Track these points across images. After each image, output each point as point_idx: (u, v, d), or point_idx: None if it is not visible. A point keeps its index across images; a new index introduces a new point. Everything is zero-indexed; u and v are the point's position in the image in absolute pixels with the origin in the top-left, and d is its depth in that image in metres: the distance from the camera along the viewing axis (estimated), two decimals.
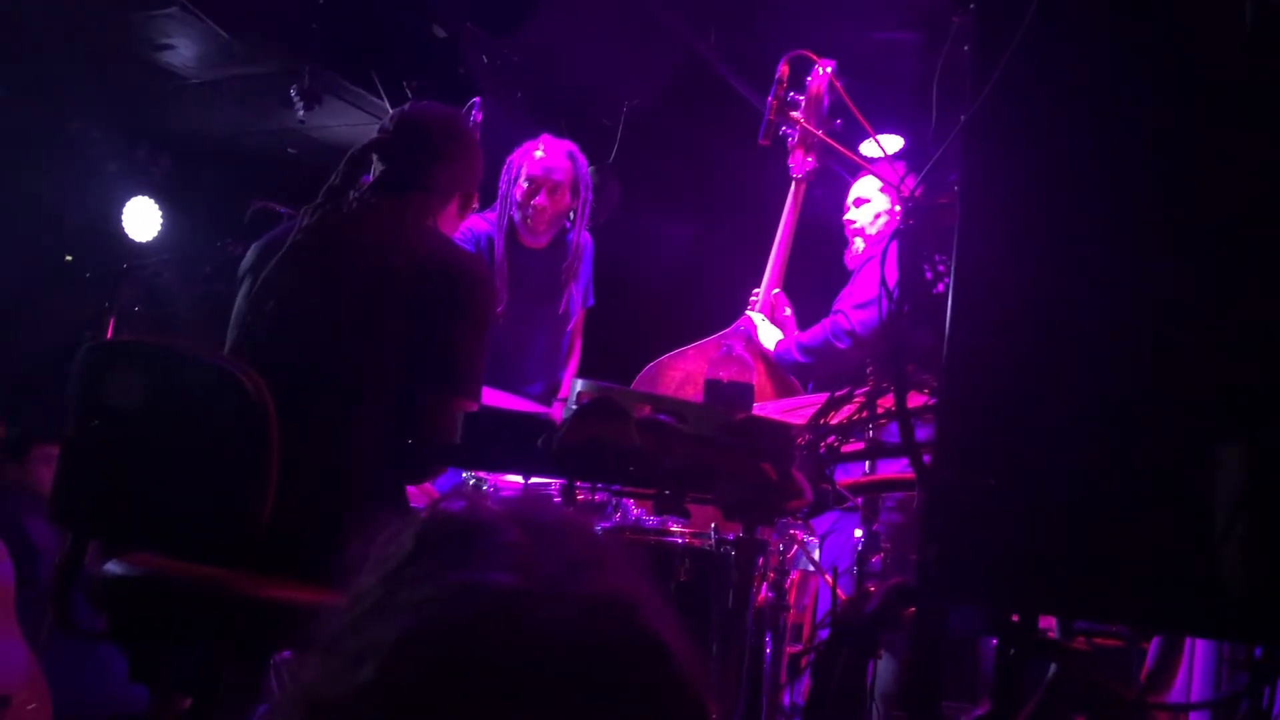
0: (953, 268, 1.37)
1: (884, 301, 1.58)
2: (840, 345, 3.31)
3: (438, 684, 0.65)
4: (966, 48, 1.42)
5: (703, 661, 0.75)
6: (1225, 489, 1.23)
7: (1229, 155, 1.29)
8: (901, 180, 1.65)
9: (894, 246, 1.70)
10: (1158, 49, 1.33)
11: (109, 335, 3.91)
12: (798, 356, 3.40)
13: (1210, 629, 1.21)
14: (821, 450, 1.78)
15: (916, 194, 1.64)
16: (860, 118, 3.30)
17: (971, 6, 1.44)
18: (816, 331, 3.41)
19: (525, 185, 3.42)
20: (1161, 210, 1.31)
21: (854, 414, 1.80)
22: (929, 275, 1.74)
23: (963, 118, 1.39)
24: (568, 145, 3.50)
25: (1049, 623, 1.92)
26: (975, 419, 1.36)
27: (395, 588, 0.70)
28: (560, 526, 0.74)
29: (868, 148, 3.74)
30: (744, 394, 1.78)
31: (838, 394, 1.78)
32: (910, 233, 1.69)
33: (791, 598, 2.57)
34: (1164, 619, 1.29)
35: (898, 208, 3.41)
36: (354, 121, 5.11)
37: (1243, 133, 1.29)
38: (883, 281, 1.56)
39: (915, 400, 1.73)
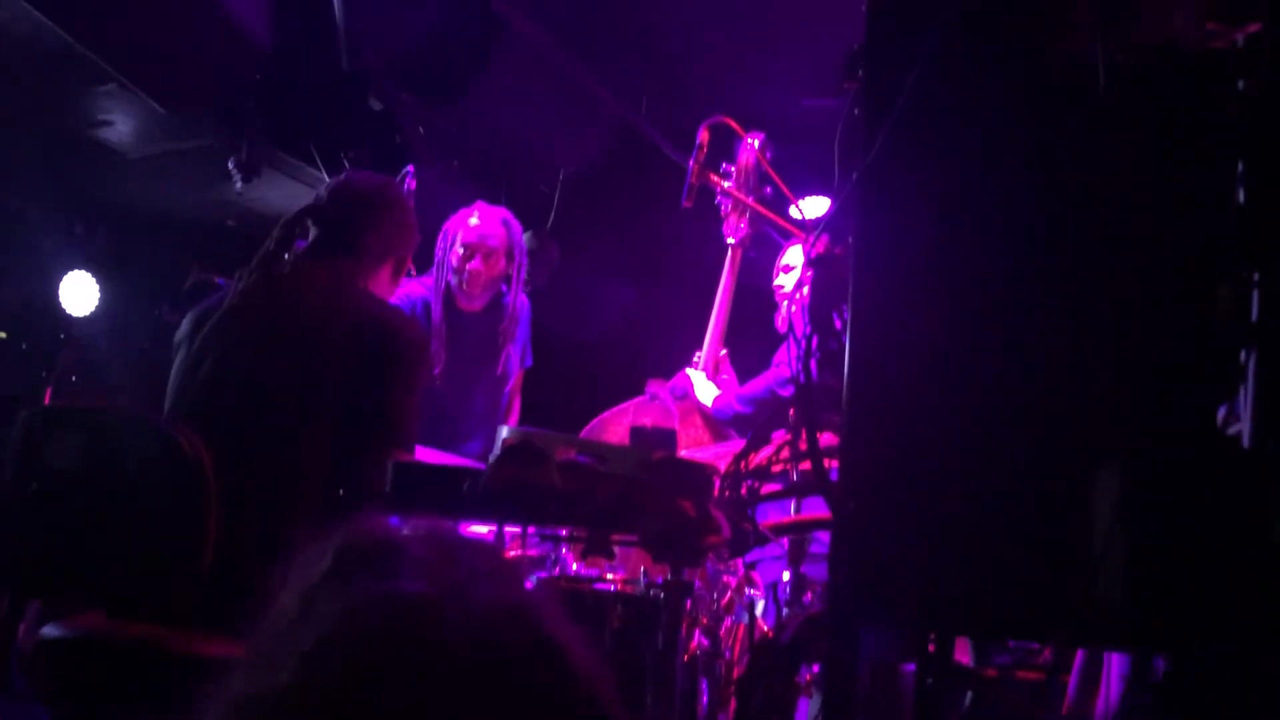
0: (849, 310, 1.48)
1: (792, 347, 1.68)
2: (784, 393, 3.41)
3: (354, 684, 0.72)
4: (856, 111, 1.54)
5: (605, 666, 0.82)
6: (1102, 506, 1.33)
7: (1093, 201, 1.42)
8: (815, 236, 1.76)
9: (804, 297, 1.81)
10: (1026, 107, 1.45)
11: (46, 403, 3.90)
12: (739, 408, 3.49)
13: (1097, 638, 1.30)
14: (743, 491, 1.86)
15: (819, 247, 1.75)
16: (784, 188, 3.45)
17: (859, 74, 1.56)
18: (758, 383, 3.52)
19: (461, 251, 3.53)
20: (1036, 249, 1.43)
21: (773, 455, 1.88)
22: (839, 324, 1.85)
23: (854, 175, 1.50)
24: (502, 212, 3.62)
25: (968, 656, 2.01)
26: (876, 449, 1.45)
27: (314, 600, 0.76)
28: (466, 544, 0.82)
29: (807, 205, 3.89)
30: (666, 438, 1.86)
31: (755, 436, 1.87)
32: (818, 281, 1.80)
33: (737, 648, 2.63)
34: (1057, 631, 1.38)
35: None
36: (292, 193, 5.18)
37: (1104, 179, 1.41)
38: (790, 329, 1.66)
39: (830, 440, 1.82)
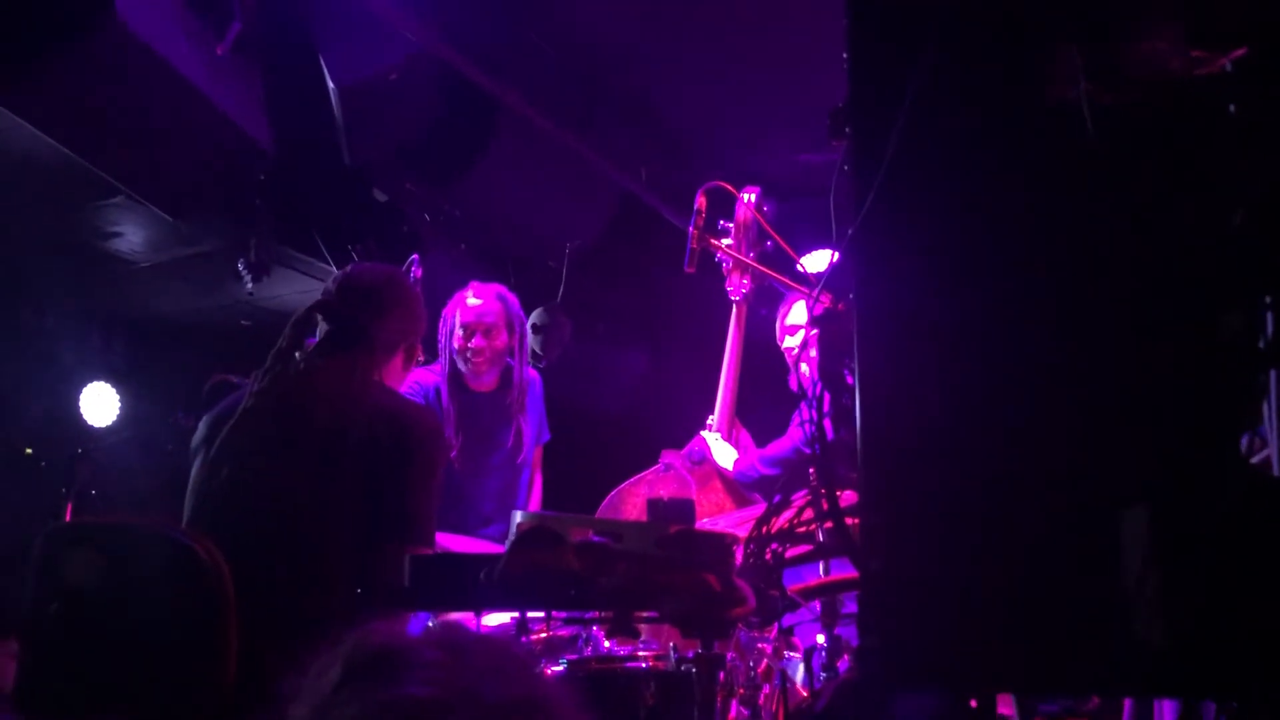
0: (856, 366, 1.46)
1: (805, 407, 1.66)
2: (810, 452, 3.36)
3: None
4: (846, 167, 1.54)
5: None
6: (1135, 549, 1.30)
7: (1092, 239, 1.40)
8: (816, 294, 1.75)
9: (814, 354, 1.79)
10: (1016, 152, 1.45)
11: (67, 519, 3.91)
12: (764, 470, 3.45)
13: (1140, 687, 1.26)
14: (768, 557, 1.83)
15: (824, 303, 1.74)
16: (782, 243, 3.46)
17: (847, 131, 1.56)
18: (783, 443, 3.48)
19: (461, 333, 3.56)
20: (1039, 292, 1.41)
21: (794, 518, 1.85)
22: (850, 379, 1.83)
23: (849, 231, 1.49)
24: (496, 287, 3.66)
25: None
26: (897, 505, 1.43)
27: (325, 713, 0.75)
28: (477, 644, 0.80)
29: (809, 261, 3.90)
30: (684, 509, 1.83)
31: (776, 500, 1.84)
32: (825, 339, 1.78)
33: (780, 716, 2.57)
34: (1099, 682, 1.33)
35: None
36: (303, 288, 5.23)
37: (1102, 216, 1.40)
38: (800, 387, 1.64)
39: (851, 498, 1.79)
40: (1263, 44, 1.44)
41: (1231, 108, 1.46)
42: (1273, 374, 1.35)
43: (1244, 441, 1.38)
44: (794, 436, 3.45)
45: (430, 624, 2.10)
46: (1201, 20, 1.47)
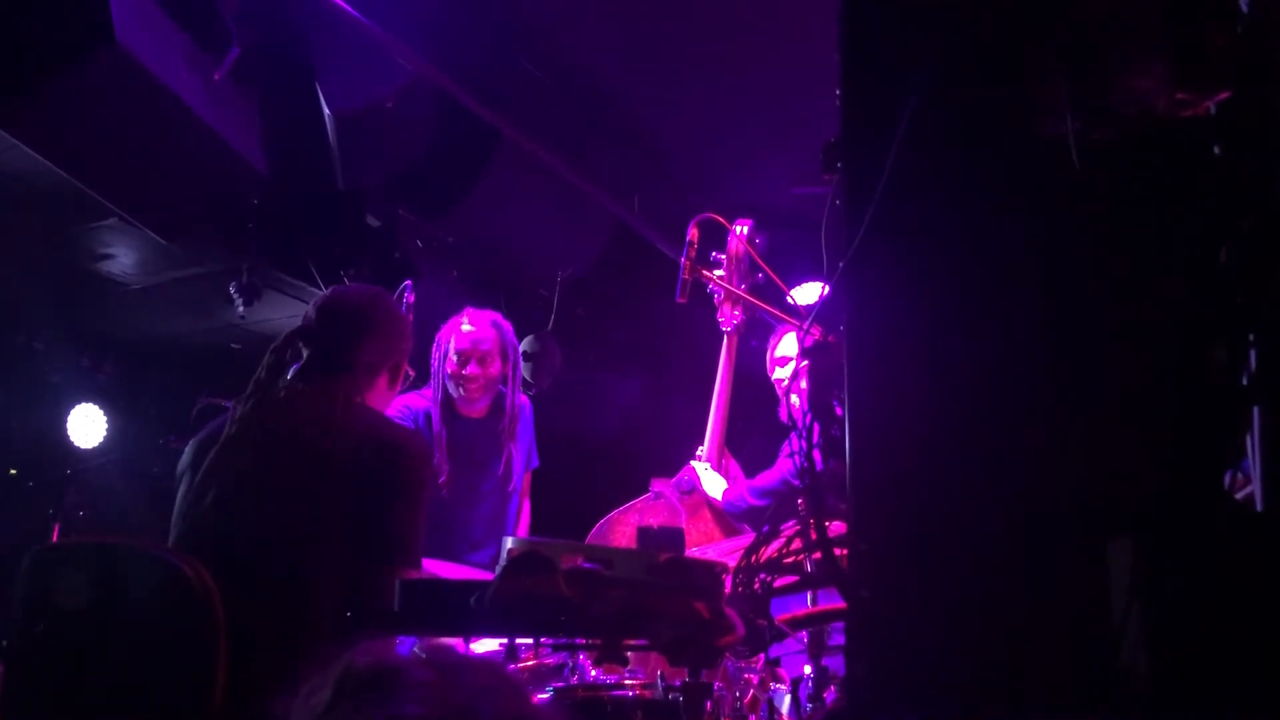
0: (846, 397, 1.48)
1: (795, 438, 1.67)
2: (799, 483, 3.37)
3: None
4: (838, 201, 1.56)
5: None
6: (1119, 579, 1.31)
7: (1078, 273, 1.43)
8: (807, 325, 1.77)
9: (804, 386, 1.80)
10: (1004, 185, 1.47)
11: (54, 540, 3.89)
12: (753, 500, 3.45)
13: (1123, 714, 1.27)
14: (756, 587, 1.83)
15: (814, 335, 1.76)
16: (773, 275, 3.48)
17: (839, 165, 1.59)
18: (771, 474, 3.49)
19: (455, 359, 3.56)
20: (1026, 325, 1.44)
21: (783, 548, 1.86)
22: (839, 411, 1.84)
23: (840, 264, 1.52)
24: (491, 315, 3.66)
25: None
26: (885, 535, 1.44)
27: None
28: (468, 664, 0.80)
29: (800, 293, 3.92)
30: (674, 537, 1.84)
31: (765, 530, 1.85)
32: (815, 370, 1.80)
33: None
34: (1084, 711, 1.34)
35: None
36: (294, 313, 5.23)
37: (1088, 250, 1.43)
38: (791, 418, 1.65)
39: (840, 528, 1.80)
40: (1246, 88, 1.47)
41: (1215, 149, 1.49)
42: (1255, 410, 1.37)
43: (1227, 478, 1.40)
44: (783, 468, 3.46)
45: (416, 648, 2.10)
46: (1187, 63, 1.50)
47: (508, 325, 3.68)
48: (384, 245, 4.90)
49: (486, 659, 0.84)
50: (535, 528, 3.85)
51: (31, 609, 1.93)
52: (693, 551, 3.00)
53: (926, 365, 1.47)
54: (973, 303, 1.47)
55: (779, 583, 1.87)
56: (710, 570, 1.54)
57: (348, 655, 0.82)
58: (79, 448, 5.91)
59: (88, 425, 5.95)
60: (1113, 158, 1.46)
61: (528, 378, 4.66)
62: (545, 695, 2.17)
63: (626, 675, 2.29)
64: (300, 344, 2.33)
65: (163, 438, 3.92)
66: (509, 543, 1.50)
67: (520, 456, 3.71)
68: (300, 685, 0.82)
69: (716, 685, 2.20)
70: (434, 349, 3.61)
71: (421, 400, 3.60)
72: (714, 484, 3.55)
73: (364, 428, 2.20)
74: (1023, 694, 1.35)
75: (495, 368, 3.60)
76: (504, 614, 1.40)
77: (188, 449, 2.29)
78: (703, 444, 3.68)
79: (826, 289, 1.92)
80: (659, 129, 5.20)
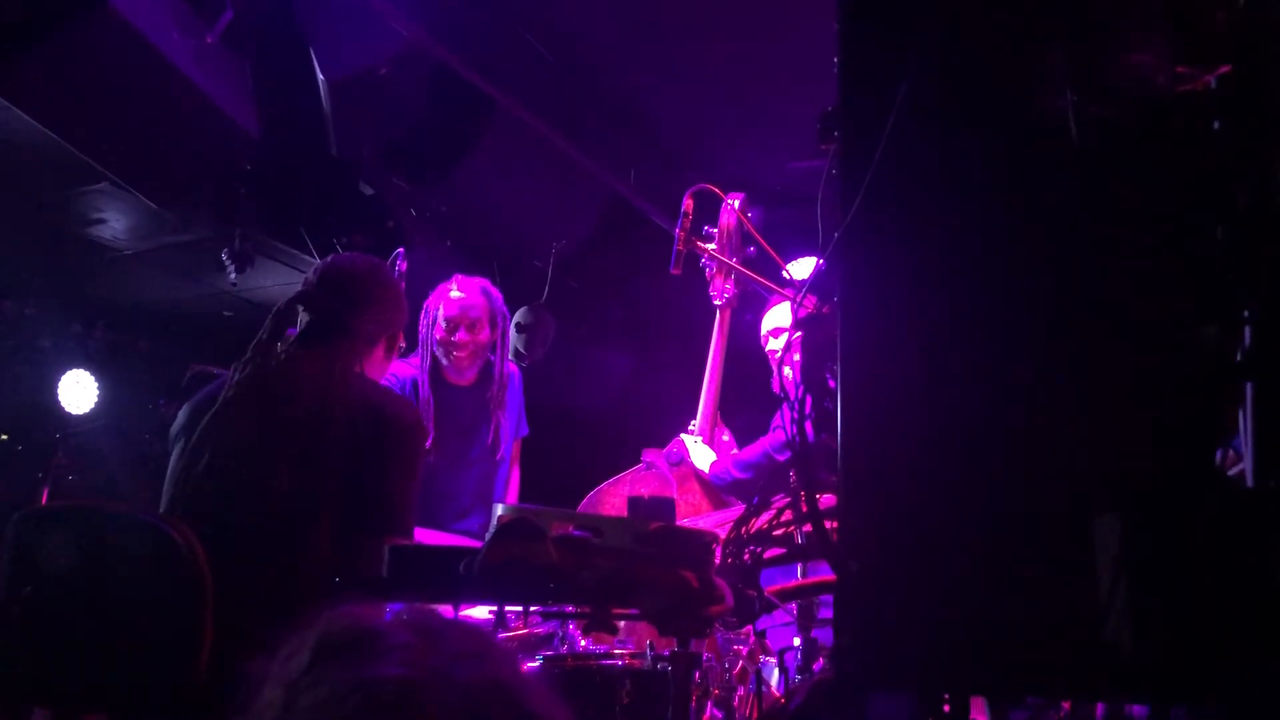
0: (839, 369, 1.47)
1: (787, 410, 1.67)
2: (781, 458, 3.38)
3: None
4: (834, 171, 1.55)
5: None
6: (1108, 557, 1.31)
7: (1075, 248, 1.42)
8: (800, 296, 1.76)
9: (797, 358, 1.80)
10: (1001, 158, 1.46)
11: (43, 503, 3.88)
12: (737, 474, 3.46)
13: (1110, 691, 1.27)
14: (746, 558, 1.83)
15: (808, 306, 1.75)
16: (767, 247, 3.47)
17: (836, 135, 1.57)
18: (755, 448, 3.49)
19: (444, 325, 3.55)
20: (1022, 299, 1.43)
21: (773, 520, 1.86)
22: (831, 383, 1.84)
23: (835, 235, 1.50)
24: (480, 281, 3.65)
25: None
26: (875, 508, 1.43)
27: (296, 694, 0.75)
28: (449, 627, 0.80)
29: (794, 267, 3.91)
30: (664, 507, 1.84)
31: (755, 502, 1.85)
32: (809, 342, 1.79)
33: (755, 717, 2.57)
34: (1071, 686, 1.34)
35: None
36: (287, 281, 5.21)
37: (1085, 226, 1.41)
38: (783, 390, 1.65)
39: (831, 501, 1.80)
40: (1246, 62, 1.45)
41: (1215, 124, 1.47)
42: (1248, 386, 1.36)
43: (1219, 455, 1.40)
44: (765, 442, 3.46)
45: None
46: (1187, 37, 1.48)
47: (497, 293, 3.67)
48: (377, 214, 4.88)
49: (470, 623, 0.83)
50: (526, 497, 3.86)
51: (18, 570, 1.92)
52: (682, 523, 3.00)
53: (920, 337, 1.46)
54: (967, 274, 1.46)
55: (769, 554, 1.87)
56: (700, 540, 1.54)
57: (326, 617, 0.82)
58: (70, 413, 5.89)
59: (78, 391, 5.93)
60: (1111, 133, 1.44)
61: (521, 349, 4.65)
62: (535, 664, 2.18)
63: (616, 645, 2.30)
64: (301, 309, 2.33)
65: (153, 404, 3.90)
66: (499, 509, 1.50)
67: (509, 425, 3.71)
68: (279, 647, 0.81)
69: (705, 656, 2.21)
70: (422, 316, 3.60)
71: (409, 368, 3.58)
72: (702, 456, 3.56)
73: (361, 396, 2.19)
74: (1011, 666, 1.35)
75: (484, 334, 3.59)
76: (493, 581, 1.40)
77: (182, 411, 2.29)
78: (695, 417, 3.68)
79: (821, 260, 1.91)
80: (655, 102, 5.16)
